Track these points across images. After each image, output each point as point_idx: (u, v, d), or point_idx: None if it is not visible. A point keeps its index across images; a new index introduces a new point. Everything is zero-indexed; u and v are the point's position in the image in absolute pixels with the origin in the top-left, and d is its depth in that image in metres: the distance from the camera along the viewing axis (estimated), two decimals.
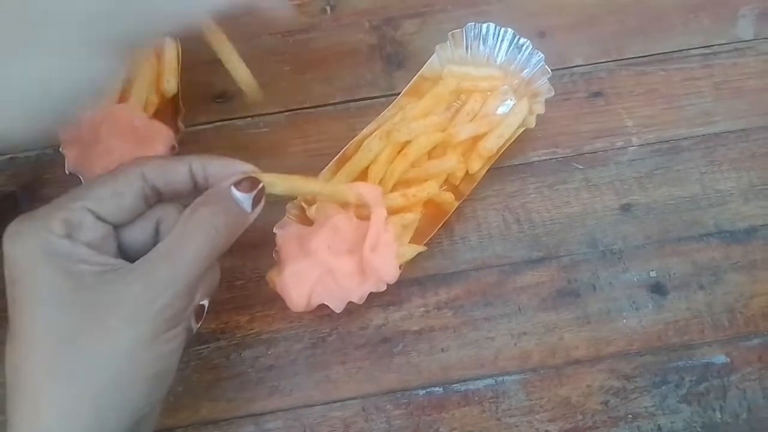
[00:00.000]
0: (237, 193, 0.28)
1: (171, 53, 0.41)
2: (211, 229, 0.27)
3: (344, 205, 0.36)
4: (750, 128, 0.40)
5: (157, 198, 0.29)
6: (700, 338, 0.36)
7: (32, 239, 0.25)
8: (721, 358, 0.35)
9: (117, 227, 0.28)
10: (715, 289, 0.37)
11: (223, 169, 0.29)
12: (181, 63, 0.41)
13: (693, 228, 0.38)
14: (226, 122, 0.42)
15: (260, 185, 0.29)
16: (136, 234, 0.28)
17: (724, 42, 0.43)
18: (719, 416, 0.34)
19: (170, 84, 0.39)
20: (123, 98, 0.39)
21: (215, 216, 0.27)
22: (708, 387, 0.35)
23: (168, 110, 0.40)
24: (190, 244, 0.26)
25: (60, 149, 0.39)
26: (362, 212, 0.36)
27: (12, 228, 0.26)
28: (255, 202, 0.29)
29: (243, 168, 0.29)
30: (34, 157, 0.41)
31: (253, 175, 0.29)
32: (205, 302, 0.30)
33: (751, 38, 0.43)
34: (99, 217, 0.27)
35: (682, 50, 0.43)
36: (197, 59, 0.43)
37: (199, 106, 0.42)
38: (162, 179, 0.28)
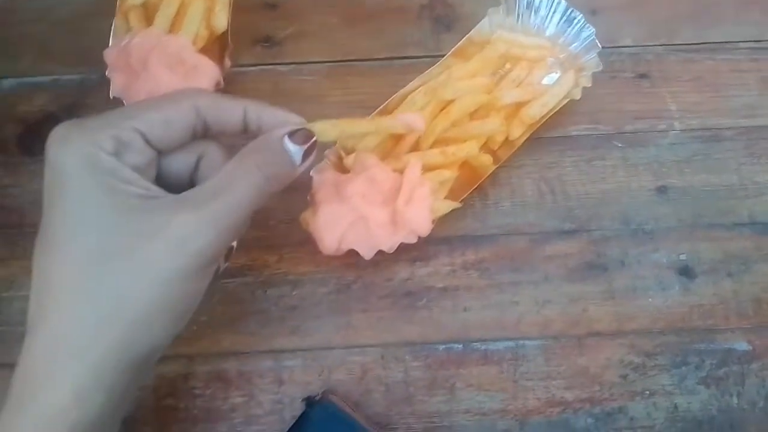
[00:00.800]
0: (290, 145, 0.28)
1: None
2: (260, 176, 0.27)
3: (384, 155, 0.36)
4: None
5: (203, 132, 0.28)
6: (724, 324, 0.36)
7: (79, 149, 0.25)
8: (743, 345, 0.35)
9: (159, 155, 0.28)
10: (743, 278, 0.37)
11: (276, 119, 0.29)
12: (233, 3, 0.41)
13: (727, 216, 0.38)
14: (269, 66, 0.42)
15: (313, 139, 0.29)
16: (176, 164, 0.28)
17: None
18: (736, 402, 0.34)
19: (221, 20, 0.40)
20: (173, 30, 0.39)
21: (266, 164, 0.27)
22: (728, 372, 0.35)
23: (216, 47, 0.40)
24: (240, 187, 0.26)
25: (106, 73, 0.39)
26: (398, 166, 0.36)
27: (59, 133, 0.26)
28: (305, 155, 0.29)
29: (297, 120, 0.29)
30: (78, 81, 0.42)
31: (307, 126, 0.29)
32: (234, 243, 0.31)
33: None
34: (147, 142, 0.27)
35: (732, 41, 0.43)
36: (248, 2, 0.44)
37: (245, 48, 0.43)
38: (215, 117, 0.28)
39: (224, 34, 0.40)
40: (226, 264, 0.30)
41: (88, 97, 0.41)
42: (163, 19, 0.39)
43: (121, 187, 0.25)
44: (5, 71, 0.42)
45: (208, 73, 0.38)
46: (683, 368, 0.35)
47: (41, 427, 0.24)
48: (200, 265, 0.26)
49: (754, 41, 0.43)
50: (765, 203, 0.38)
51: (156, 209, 0.25)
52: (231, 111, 0.28)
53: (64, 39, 0.43)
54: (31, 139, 0.40)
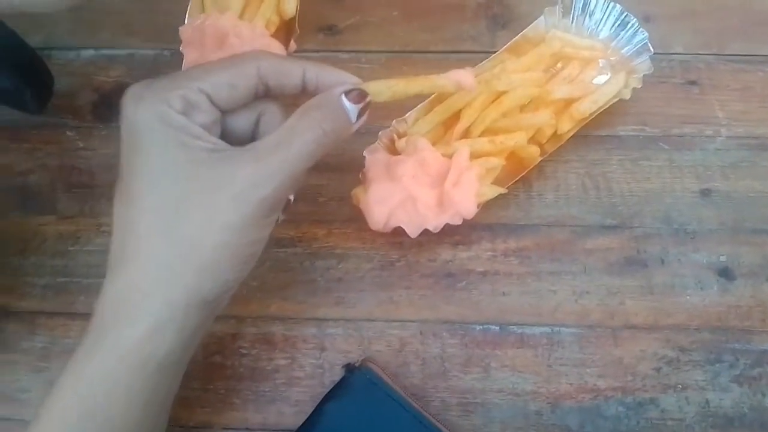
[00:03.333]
0: (346, 103, 0.30)
1: None
2: (320, 130, 0.29)
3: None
4: None
5: (264, 92, 0.30)
6: (760, 326, 0.36)
7: (151, 107, 0.27)
8: None
9: (223, 113, 0.30)
10: None
11: (334, 79, 0.31)
12: None
13: None
14: (331, 53, 0.45)
15: (367, 99, 0.31)
16: (238, 122, 0.30)
17: None
18: None
19: (290, 7, 0.42)
20: (244, 14, 0.42)
21: (325, 119, 0.29)
22: (761, 372, 0.35)
23: (283, 31, 0.43)
24: (300, 139, 0.28)
25: (180, 48, 0.41)
26: (447, 151, 0.38)
27: (133, 93, 0.28)
28: (360, 114, 0.30)
29: (352, 80, 0.31)
30: (152, 56, 0.44)
31: (362, 87, 0.31)
32: (292, 197, 0.33)
33: None
34: (212, 102, 0.29)
35: None
36: None
37: (309, 34, 0.45)
38: (276, 79, 0.30)
39: (292, 19, 0.42)
40: (284, 217, 0.31)
41: (161, 71, 0.44)
42: (235, 4, 0.41)
43: (191, 142, 0.27)
44: (86, 42, 0.45)
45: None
46: (717, 365, 0.35)
47: (118, 357, 0.26)
48: (263, 214, 0.27)
49: None
50: None
51: (223, 162, 0.27)
52: (291, 72, 0.30)
53: (143, 16, 0.46)
54: (104, 107, 0.43)
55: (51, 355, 0.38)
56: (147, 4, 0.46)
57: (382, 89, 0.31)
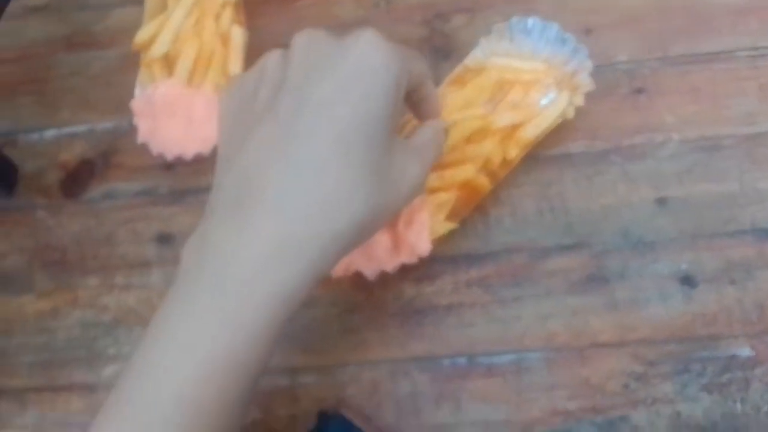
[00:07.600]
0: None
1: (237, 40, 0.44)
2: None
3: None
4: None
5: None
6: (727, 331, 0.36)
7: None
8: (746, 351, 0.35)
9: None
10: (746, 285, 0.37)
11: (432, 109, 0.36)
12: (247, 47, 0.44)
13: (728, 225, 0.38)
14: None
15: None
16: None
17: None
18: (740, 407, 0.34)
19: (236, 68, 0.43)
20: (192, 79, 0.43)
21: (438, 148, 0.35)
22: (730, 378, 0.35)
23: None
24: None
25: (133, 121, 0.43)
26: None
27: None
28: None
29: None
30: (111, 128, 0.46)
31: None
32: None
33: None
34: None
35: (729, 51, 0.43)
36: (259, 44, 0.47)
37: None
38: (413, 84, 0.33)
39: None
40: None
41: (121, 142, 0.45)
42: (182, 70, 0.43)
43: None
44: (48, 123, 0.46)
45: None
46: (685, 376, 0.35)
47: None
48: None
49: (752, 48, 0.43)
50: (767, 209, 0.38)
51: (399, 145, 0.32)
52: (423, 83, 0.34)
53: (99, 91, 0.47)
54: (72, 183, 0.45)
55: (43, 428, 0.39)
56: (102, 78, 0.47)
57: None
